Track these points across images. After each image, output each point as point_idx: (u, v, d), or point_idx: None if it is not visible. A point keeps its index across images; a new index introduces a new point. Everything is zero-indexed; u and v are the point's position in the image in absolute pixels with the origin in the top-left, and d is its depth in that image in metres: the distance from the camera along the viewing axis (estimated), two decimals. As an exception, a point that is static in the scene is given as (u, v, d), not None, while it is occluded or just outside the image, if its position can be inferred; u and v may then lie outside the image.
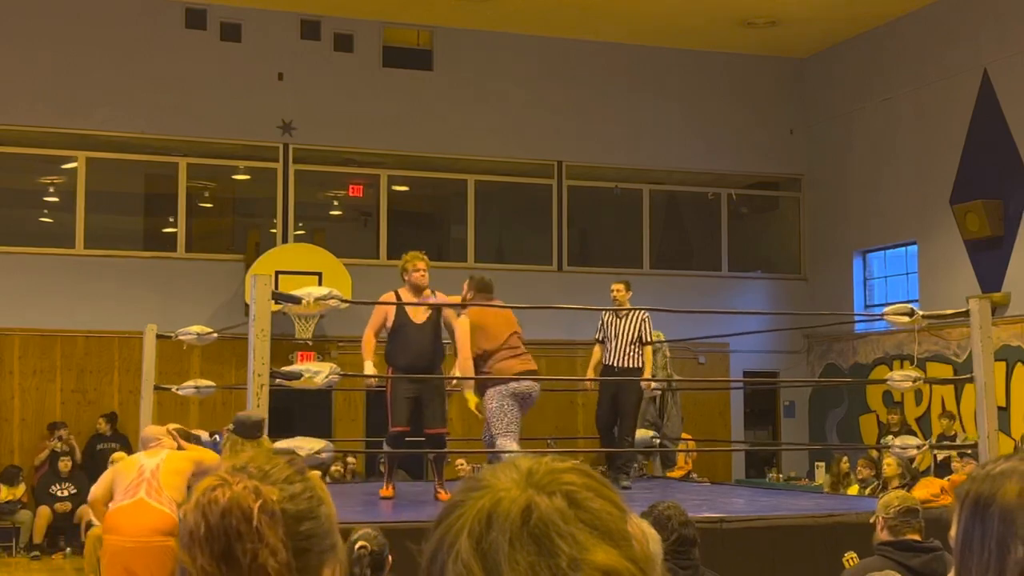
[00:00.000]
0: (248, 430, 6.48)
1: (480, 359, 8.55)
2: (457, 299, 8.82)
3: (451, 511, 1.10)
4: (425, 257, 8.72)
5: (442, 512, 1.12)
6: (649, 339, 9.91)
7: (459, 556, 1.05)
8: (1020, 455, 1.58)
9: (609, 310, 10.04)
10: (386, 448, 8.88)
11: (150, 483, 7.13)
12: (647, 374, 9.87)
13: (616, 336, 9.92)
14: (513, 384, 8.43)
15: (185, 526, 1.43)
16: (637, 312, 9.93)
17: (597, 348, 10.16)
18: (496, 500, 1.07)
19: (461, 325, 8.52)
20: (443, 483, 8.77)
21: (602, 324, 10.11)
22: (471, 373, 8.43)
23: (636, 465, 10.53)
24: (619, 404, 9.93)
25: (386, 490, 8.97)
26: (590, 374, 10.34)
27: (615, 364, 9.88)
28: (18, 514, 13.76)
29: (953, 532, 1.56)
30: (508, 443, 8.31)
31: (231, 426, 6.67)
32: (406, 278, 8.63)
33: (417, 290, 8.62)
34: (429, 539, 1.11)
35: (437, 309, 8.66)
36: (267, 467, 1.48)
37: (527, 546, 1.04)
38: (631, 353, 9.82)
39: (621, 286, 10.12)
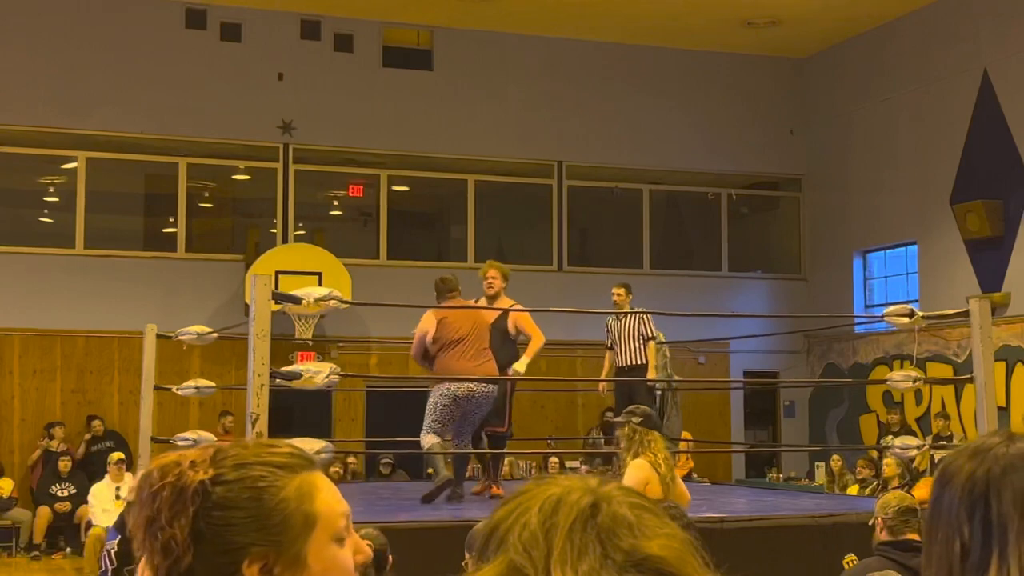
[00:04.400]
0: (653, 422, 6.65)
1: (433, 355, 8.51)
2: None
3: (521, 494, 1.23)
4: (495, 265, 8.93)
5: (512, 495, 1.24)
6: (651, 334, 10.16)
7: (527, 526, 1.18)
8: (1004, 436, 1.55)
9: (612, 314, 10.26)
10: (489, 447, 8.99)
11: None
12: (651, 370, 10.07)
13: (620, 337, 10.20)
14: (454, 385, 8.32)
15: None
16: (636, 311, 10.25)
17: (608, 354, 10.44)
18: (567, 491, 1.20)
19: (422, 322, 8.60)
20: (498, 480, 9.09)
21: (608, 328, 10.40)
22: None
23: None
24: (635, 403, 10.00)
25: (497, 489, 8.99)
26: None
27: (624, 364, 10.15)
28: (15, 512, 13.74)
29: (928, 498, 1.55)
30: (428, 438, 8.28)
31: (636, 419, 6.69)
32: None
33: (488, 299, 8.87)
34: (494, 514, 1.23)
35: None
36: (238, 449, 1.48)
37: (588, 531, 1.16)
38: (636, 350, 10.11)
39: (621, 290, 10.38)
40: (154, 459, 1.49)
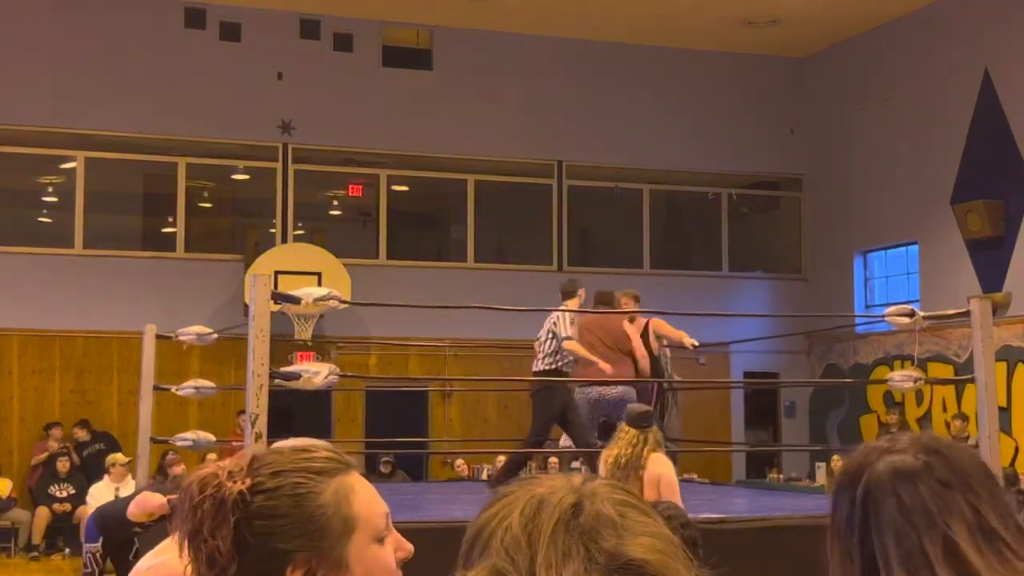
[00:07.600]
0: (636, 420, 6.87)
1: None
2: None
3: (504, 496, 1.20)
4: (626, 292, 10.34)
5: (495, 497, 1.21)
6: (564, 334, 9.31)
7: (509, 529, 1.15)
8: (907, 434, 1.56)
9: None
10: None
11: None
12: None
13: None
14: (586, 389, 9.10)
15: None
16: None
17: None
18: (550, 491, 1.17)
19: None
20: None
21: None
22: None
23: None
24: None
25: None
26: None
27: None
28: (13, 512, 13.71)
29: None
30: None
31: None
32: None
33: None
34: (477, 518, 1.20)
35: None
36: (274, 456, 1.51)
37: (571, 532, 1.13)
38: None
39: None
40: (191, 472, 1.51)
